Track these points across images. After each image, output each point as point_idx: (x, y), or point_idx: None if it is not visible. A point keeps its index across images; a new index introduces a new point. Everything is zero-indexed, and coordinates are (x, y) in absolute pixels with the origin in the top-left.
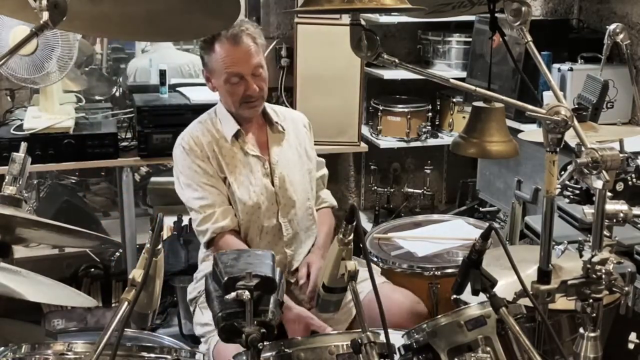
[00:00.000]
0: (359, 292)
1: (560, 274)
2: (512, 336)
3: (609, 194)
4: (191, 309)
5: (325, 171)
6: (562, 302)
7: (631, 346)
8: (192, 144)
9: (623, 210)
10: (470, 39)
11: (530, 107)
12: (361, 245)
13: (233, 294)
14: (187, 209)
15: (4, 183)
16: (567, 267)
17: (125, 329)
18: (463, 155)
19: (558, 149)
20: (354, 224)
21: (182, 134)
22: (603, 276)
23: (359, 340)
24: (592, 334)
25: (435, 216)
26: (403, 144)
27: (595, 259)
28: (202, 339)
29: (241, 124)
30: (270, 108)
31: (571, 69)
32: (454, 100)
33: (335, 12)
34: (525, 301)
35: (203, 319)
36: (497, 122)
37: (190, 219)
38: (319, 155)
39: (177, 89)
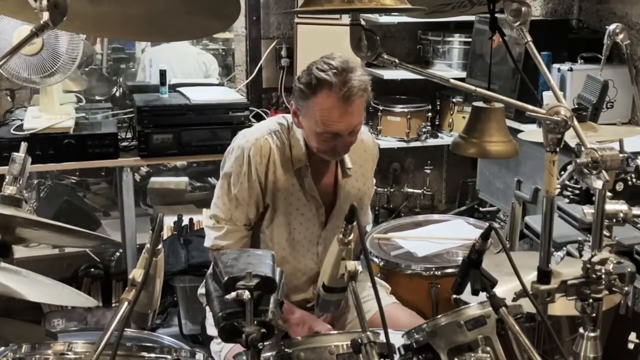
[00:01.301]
0: (365, 312)
1: (559, 280)
2: (512, 336)
3: (608, 194)
4: (202, 302)
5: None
6: (562, 307)
7: (631, 346)
8: (257, 153)
9: (623, 210)
10: (470, 39)
11: (530, 107)
12: (361, 245)
13: (233, 294)
14: None
15: (4, 183)
16: (566, 272)
17: (125, 329)
18: (463, 155)
19: (558, 149)
20: (354, 224)
21: (255, 135)
22: (603, 276)
23: (359, 340)
24: (592, 334)
25: (435, 216)
26: (403, 144)
27: (595, 259)
28: (215, 339)
29: (311, 156)
30: None
31: (571, 69)
32: (454, 100)
33: (335, 12)
34: (525, 302)
35: None
36: (497, 122)
37: (190, 219)
38: None
39: (177, 89)
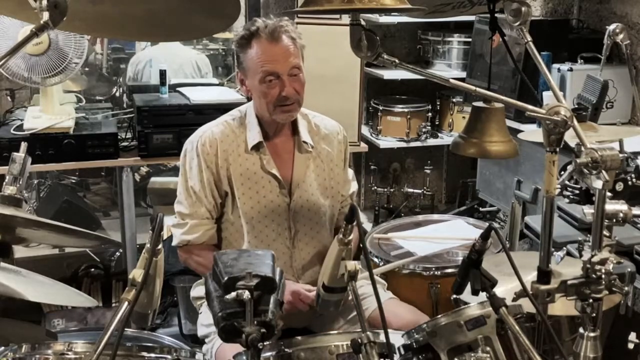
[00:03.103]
0: (364, 308)
1: (559, 280)
2: (512, 336)
3: (608, 194)
4: (196, 307)
5: (355, 188)
6: (562, 307)
7: (631, 346)
8: (206, 145)
9: (623, 210)
10: (470, 39)
11: (530, 107)
12: (361, 245)
13: (233, 294)
14: None
15: (4, 183)
16: (566, 272)
17: (125, 329)
18: (463, 155)
19: (558, 149)
20: (354, 224)
21: (203, 128)
22: (603, 276)
23: (359, 340)
24: (592, 334)
25: (435, 216)
26: (403, 144)
27: (595, 259)
28: (206, 339)
29: (267, 134)
30: (306, 120)
31: (571, 69)
32: (454, 100)
33: (335, 12)
34: (525, 302)
35: (208, 319)
36: (497, 122)
37: None
38: None
39: (177, 89)
